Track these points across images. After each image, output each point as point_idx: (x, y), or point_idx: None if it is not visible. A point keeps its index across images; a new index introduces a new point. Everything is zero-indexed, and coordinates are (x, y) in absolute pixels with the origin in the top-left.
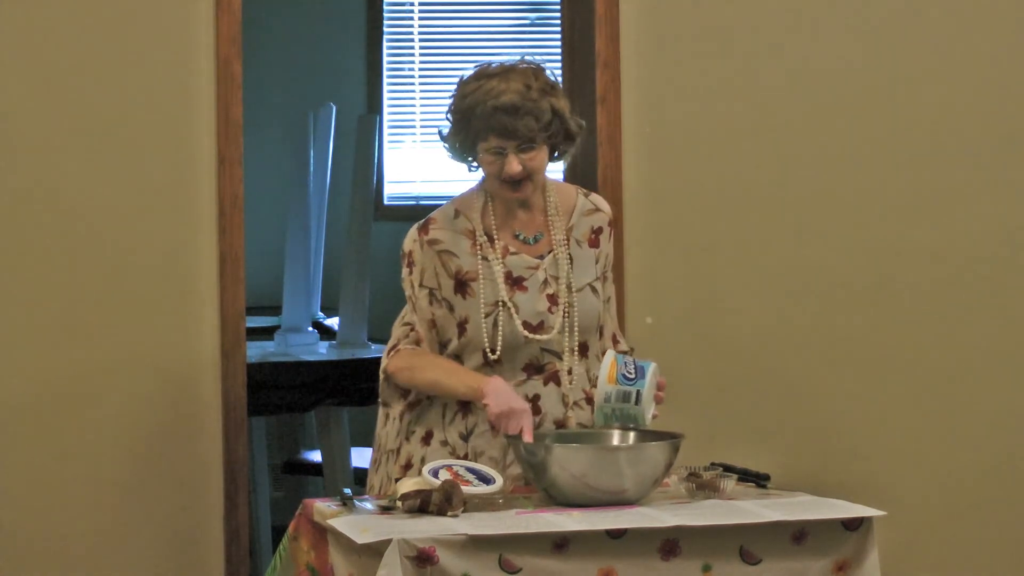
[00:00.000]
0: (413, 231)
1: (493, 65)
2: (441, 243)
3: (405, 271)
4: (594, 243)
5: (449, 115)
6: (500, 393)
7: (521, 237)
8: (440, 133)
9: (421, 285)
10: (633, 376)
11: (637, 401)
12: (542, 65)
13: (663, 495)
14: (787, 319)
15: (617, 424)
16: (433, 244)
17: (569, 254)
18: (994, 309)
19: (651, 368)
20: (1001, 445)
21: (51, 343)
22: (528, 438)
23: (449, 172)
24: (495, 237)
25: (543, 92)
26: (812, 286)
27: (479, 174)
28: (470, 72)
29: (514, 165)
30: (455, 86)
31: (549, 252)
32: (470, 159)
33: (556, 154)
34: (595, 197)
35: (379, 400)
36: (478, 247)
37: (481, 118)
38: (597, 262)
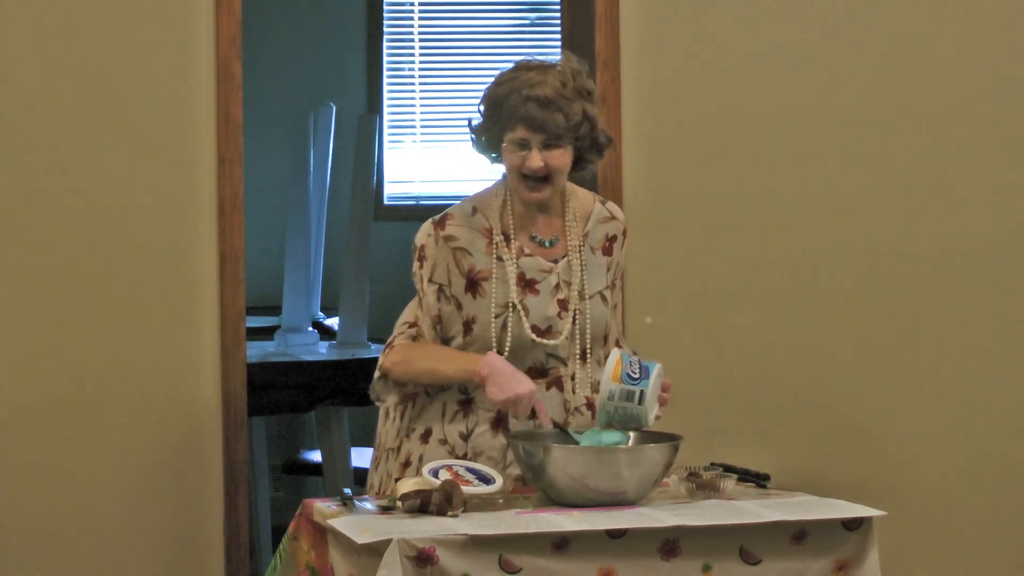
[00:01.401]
0: (428, 225)
1: (533, 60)
2: (457, 240)
3: (416, 264)
4: (607, 251)
5: (481, 104)
6: (500, 376)
7: (537, 239)
8: (469, 123)
9: (431, 280)
10: (638, 376)
11: (640, 401)
12: (582, 69)
13: (663, 495)
14: (787, 319)
15: (618, 423)
16: (449, 240)
17: (582, 260)
18: (995, 309)
19: (656, 369)
20: (1001, 445)
21: (51, 343)
22: (544, 418)
23: (449, 172)
24: (512, 237)
25: (578, 94)
26: (812, 286)
27: (488, 174)
28: (509, 67)
29: (536, 160)
30: (493, 79)
31: (564, 257)
32: (494, 152)
33: (581, 162)
34: (611, 205)
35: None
36: (494, 246)
37: (512, 106)
38: (609, 270)
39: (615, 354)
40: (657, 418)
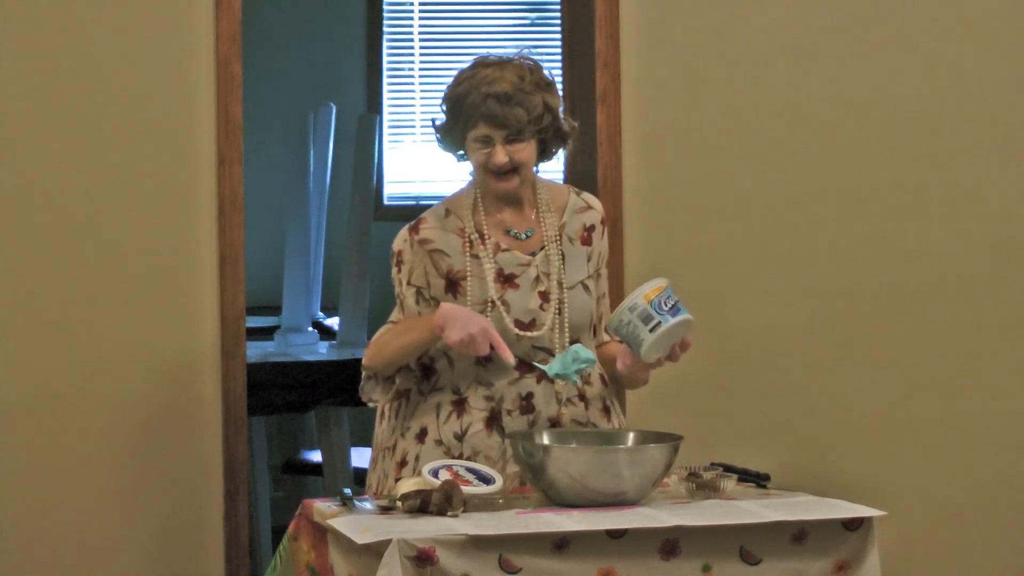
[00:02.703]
0: (404, 231)
1: (491, 57)
2: (432, 242)
3: (394, 270)
4: (586, 241)
5: (443, 104)
6: (455, 320)
7: (512, 233)
8: (433, 123)
9: (409, 283)
10: (667, 309)
11: (652, 330)
12: (539, 63)
13: (663, 495)
14: (787, 319)
15: (622, 338)
16: (424, 244)
17: (561, 251)
18: (995, 309)
19: (685, 317)
20: (1001, 445)
21: (51, 343)
22: (502, 353)
23: (449, 172)
24: (486, 234)
25: (536, 86)
26: (812, 286)
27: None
28: (468, 64)
29: (500, 156)
30: (453, 78)
31: (541, 249)
32: (460, 150)
33: (546, 152)
34: (587, 195)
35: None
36: (468, 244)
37: (472, 105)
38: (590, 260)
39: (662, 281)
40: (659, 363)
